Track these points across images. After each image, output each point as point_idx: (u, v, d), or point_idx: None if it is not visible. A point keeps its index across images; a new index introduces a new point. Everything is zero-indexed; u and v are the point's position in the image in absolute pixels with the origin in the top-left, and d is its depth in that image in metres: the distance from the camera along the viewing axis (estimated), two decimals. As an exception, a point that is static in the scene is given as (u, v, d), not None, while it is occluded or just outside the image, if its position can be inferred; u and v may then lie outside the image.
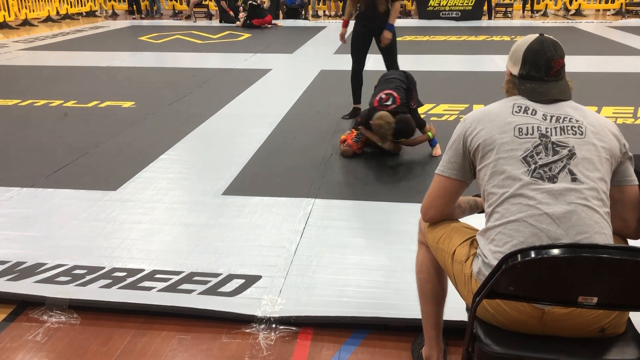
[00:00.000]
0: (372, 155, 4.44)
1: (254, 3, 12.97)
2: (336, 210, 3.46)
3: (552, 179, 1.53)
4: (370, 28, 5.23)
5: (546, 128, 1.59)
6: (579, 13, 15.31)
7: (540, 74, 1.67)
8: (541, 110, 1.63)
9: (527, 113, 1.63)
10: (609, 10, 15.84)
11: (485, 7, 14.41)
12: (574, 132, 1.58)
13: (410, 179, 3.97)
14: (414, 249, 2.34)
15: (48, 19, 15.09)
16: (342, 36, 5.53)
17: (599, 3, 15.78)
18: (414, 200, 3.51)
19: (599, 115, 1.68)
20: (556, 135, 1.58)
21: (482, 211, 1.89)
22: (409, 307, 2.37)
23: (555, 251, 1.18)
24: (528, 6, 15.67)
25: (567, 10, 15.68)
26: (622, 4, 15.11)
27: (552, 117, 1.62)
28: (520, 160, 1.56)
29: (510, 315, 1.48)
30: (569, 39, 10.84)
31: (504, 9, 15.46)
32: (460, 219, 1.88)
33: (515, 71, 1.73)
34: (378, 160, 4.34)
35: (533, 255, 1.19)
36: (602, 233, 1.49)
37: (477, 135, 1.65)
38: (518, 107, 1.65)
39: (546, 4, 15.74)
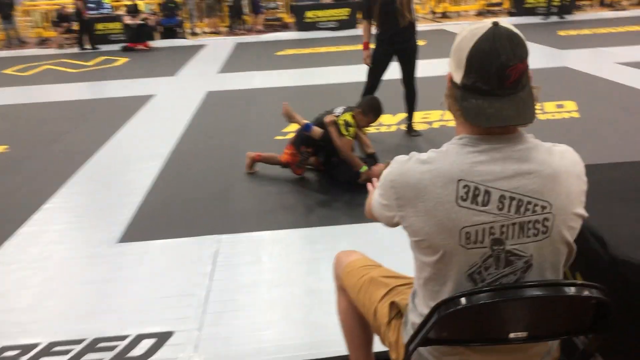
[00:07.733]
0: (272, 181, 4.37)
1: (140, 22, 12.73)
2: (244, 245, 3.34)
3: None
4: (397, 49, 5.11)
5: (501, 227, 1.22)
6: (445, 16, 16.27)
7: (490, 85, 1.21)
8: (497, 189, 1.21)
9: (476, 200, 1.21)
10: (470, 11, 16.97)
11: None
12: (536, 232, 1.23)
13: (317, 203, 3.94)
14: (327, 277, 2.30)
15: None
16: (366, 58, 5.27)
17: (462, 5, 16.89)
18: (322, 223, 3.51)
19: (567, 159, 1.28)
20: (513, 239, 1.23)
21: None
22: (330, 343, 2.32)
23: (483, 296, 1.19)
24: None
25: (434, 13, 16.59)
26: (483, 4, 16.24)
27: (511, 201, 1.21)
28: (466, 278, 1.26)
29: None
30: (437, 41, 11.15)
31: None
32: (380, 265, 1.82)
33: (458, 78, 1.25)
34: (279, 186, 4.27)
35: (464, 302, 1.18)
36: None
37: (410, 222, 1.28)
38: (465, 188, 1.21)
39: (415, 8, 16.52)
